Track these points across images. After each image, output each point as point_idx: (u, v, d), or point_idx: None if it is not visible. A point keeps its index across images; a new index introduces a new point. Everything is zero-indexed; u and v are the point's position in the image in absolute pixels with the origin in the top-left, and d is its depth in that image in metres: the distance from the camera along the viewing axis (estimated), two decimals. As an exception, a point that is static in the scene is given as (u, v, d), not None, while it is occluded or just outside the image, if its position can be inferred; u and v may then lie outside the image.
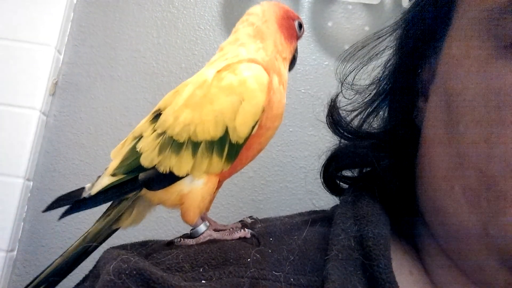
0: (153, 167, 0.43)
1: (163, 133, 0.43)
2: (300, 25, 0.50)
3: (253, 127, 0.41)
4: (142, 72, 0.92)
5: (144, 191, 0.44)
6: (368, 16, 0.93)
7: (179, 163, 0.42)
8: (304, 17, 0.93)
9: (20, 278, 0.83)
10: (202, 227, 0.41)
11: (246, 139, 0.40)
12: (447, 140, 0.34)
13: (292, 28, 0.49)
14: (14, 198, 0.82)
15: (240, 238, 0.37)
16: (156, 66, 0.92)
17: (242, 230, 0.37)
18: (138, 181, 0.44)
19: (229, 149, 0.40)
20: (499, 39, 0.30)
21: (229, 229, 0.38)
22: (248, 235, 0.36)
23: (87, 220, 0.83)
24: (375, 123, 0.46)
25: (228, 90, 0.40)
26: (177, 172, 0.42)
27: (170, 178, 0.42)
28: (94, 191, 0.45)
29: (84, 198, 0.45)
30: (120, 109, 0.90)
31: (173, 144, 0.42)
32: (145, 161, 0.44)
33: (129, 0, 0.95)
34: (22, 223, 0.85)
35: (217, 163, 0.40)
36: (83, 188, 0.47)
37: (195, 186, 0.41)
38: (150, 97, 0.90)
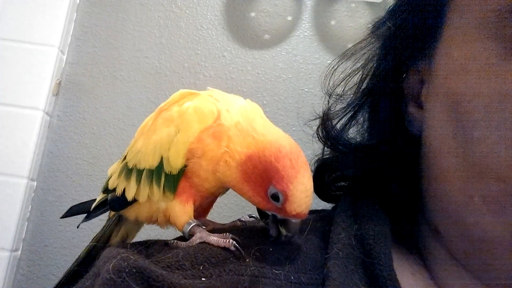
0: (114, 189, 0.45)
1: (125, 157, 0.45)
2: (276, 197, 0.35)
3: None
4: (145, 72, 0.92)
5: (129, 210, 0.46)
6: (371, 14, 0.93)
7: (128, 188, 0.43)
8: (307, 16, 0.93)
9: (24, 278, 0.84)
10: (192, 231, 0.40)
11: (181, 170, 0.40)
12: (459, 150, 0.32)
13: (261, 186, 0.36)
14: (18, 198, 0.83)
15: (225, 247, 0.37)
16: (159, 65, 0.92)
17: (229, 240, 0.36)
18: (107, 201, 0.47)
19: (166, 179, 0.40)
20: (508, 40, 0.29)
21: (223, 234, 0.38)
22: (232, 248, 0.36)
23: (90, 220, 0.83)
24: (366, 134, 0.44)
25: (168, 121, 0.41)
26: (126, 195, 0.43)
27: (123, 201, 0.43)
28: (93, 206, 0.49)
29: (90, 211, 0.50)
30: (123, 109, 0.90)
31: (125, 169, 0.44)
32: (110, 183, 0.46)
33: (131, 0, 0.95)
34: (26, 223, 0.85)
35: (157, 191, 0.41)
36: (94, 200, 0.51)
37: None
38: (152, 96, 0.90)
